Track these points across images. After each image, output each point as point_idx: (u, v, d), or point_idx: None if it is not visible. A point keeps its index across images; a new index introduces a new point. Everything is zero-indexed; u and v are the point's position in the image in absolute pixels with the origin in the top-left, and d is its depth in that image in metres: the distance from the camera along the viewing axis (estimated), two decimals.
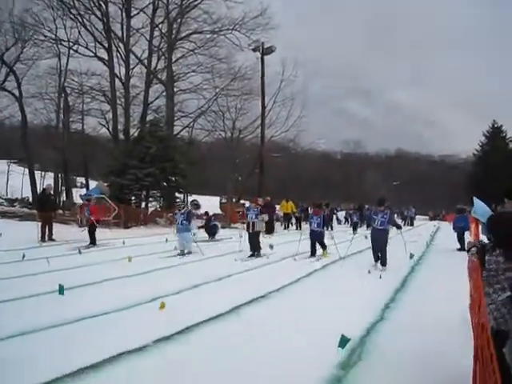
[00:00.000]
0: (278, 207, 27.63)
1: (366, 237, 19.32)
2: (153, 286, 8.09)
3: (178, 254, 12.94)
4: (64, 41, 32.21)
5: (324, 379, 4.24)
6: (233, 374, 4.33)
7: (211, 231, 18.45)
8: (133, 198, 27.18)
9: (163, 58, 32.55)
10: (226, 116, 37.14)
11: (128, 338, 5.21)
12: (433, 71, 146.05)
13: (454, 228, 15.82)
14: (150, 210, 27.71)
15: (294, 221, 27.29)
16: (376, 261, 11.07)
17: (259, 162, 33.20)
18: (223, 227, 21.47)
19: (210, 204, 33.11)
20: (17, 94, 32.09)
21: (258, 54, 32.49)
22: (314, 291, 8.21)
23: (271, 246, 13.92)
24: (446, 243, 16.80)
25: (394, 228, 12.32)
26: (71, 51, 32.93)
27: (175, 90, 33.48)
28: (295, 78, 35.83)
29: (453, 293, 7.23)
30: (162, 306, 6.46)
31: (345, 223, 34.83)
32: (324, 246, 12.95)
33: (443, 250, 15.42)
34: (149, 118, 31.54)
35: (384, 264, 10.80)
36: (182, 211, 13.89)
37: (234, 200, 35.97)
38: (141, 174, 25.10)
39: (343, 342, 4.61)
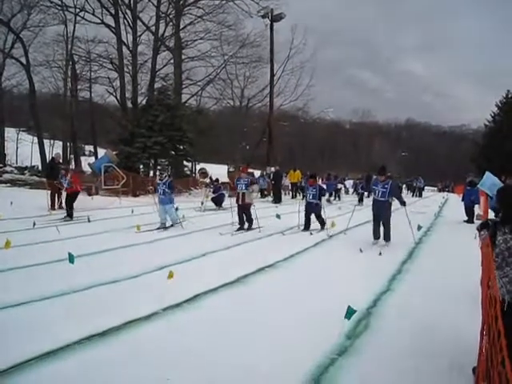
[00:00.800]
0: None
1: None
2: (161, 255, 8.19)
3: (158, 228, 11.75)
4: (70, 7, 31.78)
5: (330, 348, 4.29)
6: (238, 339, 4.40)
7: (218, 200, 18.48)
8: (141, 166, 27.21)
9: (171, 24, 32.09)
10: (235, 84, 36.96)
11: (136, 305, 5.29)
12: (445, 39, 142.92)
13: (463, 200, 15.70)
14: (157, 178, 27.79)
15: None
16: (376, 238, 10.12)
17: (267, 131, 33.03)
18: (230, 196, 21.49)
19: (218, 172, 33.15)
20: (24, 61, 31.85)
21: (267, 21, 32.01)
22: (316, 264, 8.25)
23: (278, 216, 12.93)
24: (454, 215, 16.71)
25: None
26: (78, 18, 32.56)
27: (183, 57, 33.11)
28: (304, 45, 35.33)
29: (461, 265, 7.28)
30: (171, 275, 6.52)
31: (353, 193, 34.74)
32: (322, 222, 12.05)
33: (452, 221, 15.34)
34: (156, 85, 31.40)
35: (387, 239, 10.02)
36: (164, 180, 12.53)
37: (241, 169, 35.92)
38: (149, 142, 25.09)
39: (349, 313, 4.64)
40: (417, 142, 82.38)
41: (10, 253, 8.06)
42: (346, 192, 33.73)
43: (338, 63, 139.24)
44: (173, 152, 27.02)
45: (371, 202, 10.40)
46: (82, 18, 32.17)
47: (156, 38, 31.15)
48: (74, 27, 33.29)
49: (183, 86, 33.62)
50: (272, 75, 32.99)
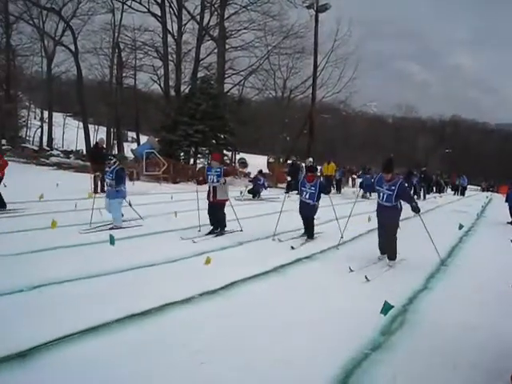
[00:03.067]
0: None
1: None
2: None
3: (111, 228, 9.34)
4: None
5: (364, 343, 4.26)
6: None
7: (256, 191, 18.50)
8: (182, 154, 27.53)
9: (216, 14, 32.17)
10: (277, 75, 36.66)
11: (173, 289, 5.39)
12: (497, 32, 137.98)
13: (506, 201, 15.18)
14: (199, 166, 28.04)
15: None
16: (382, 252, 7.83)
17: (308, 123, 32.79)
18: (269, 187, 21.50)
19: (257, 163, 33.22)
20: (73, 49, 32.82)
21: (312, 12, 31.66)
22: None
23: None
24: (497, 216, 16.17)
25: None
26: (125, 7, 33.23)
27: (227, 47, 33.15)
28: (349, 37, 34.73)
29: (503, 266, 7.07)
30: (208, 261, 6.59)
31: None
32: (311, 229, 9.41)
33: (494, 222, 14.84)
34: (200, 74, 31.61)
35: (392, 257, 7.56)
36: (112, 167, 9.72)
37: (281, 160, 35.81)
38: (191, 130, 25.35)
39: (386, 308, 4.58)
40: (462, 139, 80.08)
41: (56, 232, 8.35)
42: None
43: (382, 55, 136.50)
44: (214, 141, 27.19)
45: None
46: (129, 6, 32.83)
47: (200, 27, 31.35)
48: (121, 16, 33.97)
49: (226, 76, 33.72)
50: (315, 67, 32.66)
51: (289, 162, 31.26)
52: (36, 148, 34.42)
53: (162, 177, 21.70)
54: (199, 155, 28.49)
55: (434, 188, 30.94)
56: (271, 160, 38.09)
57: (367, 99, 53.97)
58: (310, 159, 22.82)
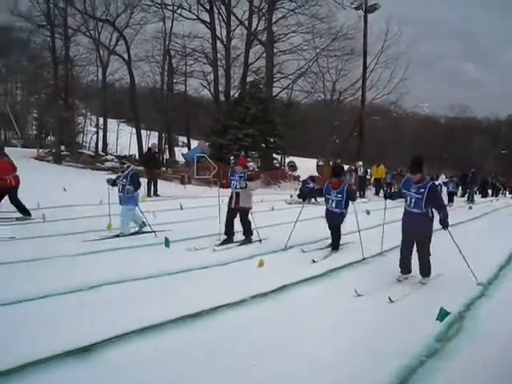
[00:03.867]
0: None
1: (470, 207, 18.25)
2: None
3: (117, 235, 8.96)
4: (169, 5, 33.51)
5: (420, 350, 4.19)
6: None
7: (306, 194, 18.36)
8: (231, 158, 27.84)
9: (263, 18, 32.47)
10: (326, 77, 36.44)
11: (224, 292, 5.46)
12: None
13: None
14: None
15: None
16: (404, 271, 6.59)
17: (358, 125, 32.43)
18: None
19: (307, 166, 33.13)
20: (126, 57, 34.12)
21: (361, 12, 31.29)
22: None
23: (368, 212, 11.81)
24: None
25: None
26: (175, 15, 34.15)
27: (275, 50, 33.29)
28: (400, 36, 34.09)
29: None
30: (261, 263, 6.65)
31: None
32: (337, 239, 8.44)
33: None
34: (249, 79, 31.99)
35: (425, 274, 6.49)
36: (126, 172, 9.32)
37: (330, 163, 35.57)
38: (240, 134, 25.64)
39: (442, 315, 4.50)
40: None
41: (111, 235, 8.69)
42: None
43: (434, 55, 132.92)
44: (263, 145, 27.37)
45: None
46: (179, 14, 33.74)
47: (249, 32, 31.71)
48: (172, 24, 34.80)
49: (274, 80, 33.88)
50: (365, 68, 32.24)
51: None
52: (92, 153, 35.72)
53: (213, 180, 22.01)
54: (249, 159, 28.71)
55: (490, 191, 29.90)
56: (320, 163, 37.87)
57: (418, 100, 53.01)
58: (360, 162, 22.52)
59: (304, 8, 32.27)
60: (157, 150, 19.44)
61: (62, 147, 31.16)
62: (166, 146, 39.02)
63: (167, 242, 7.43)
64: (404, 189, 6.44)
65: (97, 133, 42.38)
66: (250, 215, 8.85)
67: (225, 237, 8.72)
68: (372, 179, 25.94)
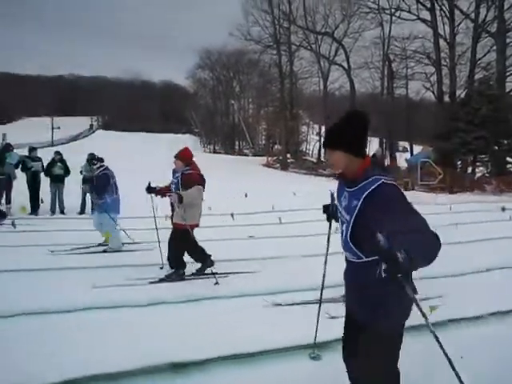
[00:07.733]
0: None
1: None
2: None
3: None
4: (386, 9, 33.74)
5: None
6: None
7: None
8: (458, 162, 26.24)
9: (493, 7, 29.61)
10: None
11: None
12: None
13: None
14: (477, 175, 26.26)
15: None
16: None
17: None
18: None
19: None
20: (346, 66, 35.24)
21: None
22: None
23: None
24: None
25: None
26: (393, 18, 33.93)
27: (508, 41, 30.10)
28: None
29: None
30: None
31: None
32: None
33: None
34: (477, 76, 29.67)
35: None
36: (95, 173, 7.73)
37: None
38: (468, 137, 23.90)
39: None
40: None
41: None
42: None
43: None
44: (496, 147, 25.05)
45: None
46: (398, 17, 33.63)
47: (476, 24, 29.50)
48: (390, 27, 34.89)
49: (507, 74, 30.61)
50: None
51: None
52: (314, 160, 37.50)
53: (438, 187, 21.07)
54: (478, 163, 26.69)
55: None
56: None
57: None
58: None
59: None
60: (382, 156, 19.46)
61: (288, 155, 33.49)
62: (387, 152, 38.74)
63: None
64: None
65: (319, 141, 44.30)
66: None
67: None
68: None
